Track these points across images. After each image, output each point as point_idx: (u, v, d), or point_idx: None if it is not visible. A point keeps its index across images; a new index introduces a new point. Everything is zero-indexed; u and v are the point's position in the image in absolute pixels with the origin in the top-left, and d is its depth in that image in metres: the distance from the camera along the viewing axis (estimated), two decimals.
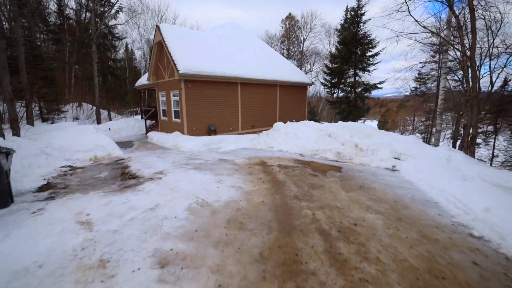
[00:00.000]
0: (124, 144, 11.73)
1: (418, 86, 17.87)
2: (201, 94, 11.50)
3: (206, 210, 3.66)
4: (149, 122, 15.55)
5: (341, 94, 19.54)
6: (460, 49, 8.89)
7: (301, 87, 16.80)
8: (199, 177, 5.45)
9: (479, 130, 16.61)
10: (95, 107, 16.81)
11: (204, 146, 10.48)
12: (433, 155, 7.08)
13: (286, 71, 15.85)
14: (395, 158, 8.35)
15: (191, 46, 12.17)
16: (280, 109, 15.66)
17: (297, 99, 16.78)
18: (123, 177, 5.77)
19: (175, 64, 10.33)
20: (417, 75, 16.93)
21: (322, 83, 21.07)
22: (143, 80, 15.26)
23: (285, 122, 11.97)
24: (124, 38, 24.43)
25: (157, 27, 11.56)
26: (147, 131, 15.05)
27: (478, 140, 18.98)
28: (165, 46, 11.01)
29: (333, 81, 19.22)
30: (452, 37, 10.03)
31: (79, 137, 8.29)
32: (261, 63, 14.79)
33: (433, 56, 15.54)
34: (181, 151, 9.67)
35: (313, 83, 17.37)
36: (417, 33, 8.78)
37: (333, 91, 20.19)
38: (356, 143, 9.81)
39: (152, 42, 12.39)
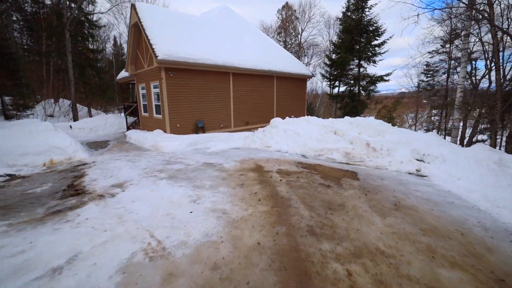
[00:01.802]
0: (97, 145, 10.07)
1: (426, 79, 16.54)
2: (186, 86, 9.88)
3: (156, 271, 2.13)
4: (131, 119, 13.88)
5: (343, 88, 18.10)
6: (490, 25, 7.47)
7: (300, 80, 15.28)
8: (170, 193, 3.90)
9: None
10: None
11: (189, 146, 8.92)
12: (471, 157, 5.66)
13: (284, 61, 14.30)
14: (418, 160, 6.94)
15: (174, 29, 10.50)
16: (277, 104, 14.13)
17: (296, 93, 15.27)
18: (66, 192, 4.19)
19: (153, 49, 8.69)
20: (424, 67, 15.60)
21: (322, 75, 19.51)
22: (125, 73, 13.58)
23: (283, 118, 10.46)
24: (104, 26, 22.43)
25: (133, 6, 9.86)
26: (128, 129, 13.38)
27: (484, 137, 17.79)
28: (141, 27, 9.34)
29: (335, 73, 17.68)
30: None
31: (30, 137, 6.63)
32: (256, 52, 13.20)
33: (444, 44, 14.15)
34: (161, 153, 8.10)
35: (313, 75, 15.86)
36: (440, 9, 7.29)
37: (334, 85, 18.67)
38: (368, 141, 8.35)
39: (129, 26, 10.74)
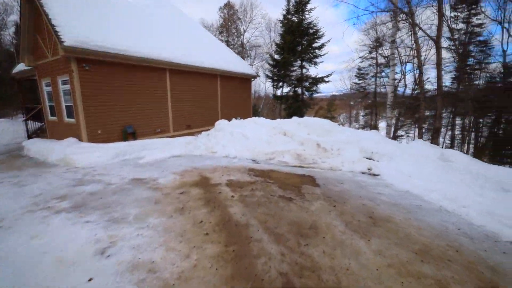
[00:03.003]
0: None
1: (358, 82, 18.20)
2: (109, 83, 7.97)
3: None
4: (36, 126, 10.77)
5: (287, 89, 18.33)
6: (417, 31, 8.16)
7: (245, 80, 14.64)
8: (64, 239, 2.50)
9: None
10: None
11: (115, 158, 7.14)
12: (415, 154, 5.84)
13: (227, 60, 13.40)
14: (367, 159, 6.97)
15: (92, 12, 8.42)
16: (222, 105, 13.12)
17: (241, 93, 14.56)
18: None
19: (56, 32, 6.59)
20: (357, 71, 17.12)
21: (267, 76, 19.38)
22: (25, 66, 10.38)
23: (229, 120, 9.56)
24: None
25: None
26: (30, 138, 10.30)
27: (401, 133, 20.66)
28: (37, 1, 7.06)
29: (279, 73, 17.72)
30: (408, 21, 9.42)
31: None
32: (197, 48, 11.93)
33: (371, 51, 15.66)
34: (73, 169, 6.16)
35: (258, 76, 15.45)
36: (378, 11, 7.61)
37: (278, 85, 18.76)
38: (318, 142, 8.13)
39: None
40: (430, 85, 15.81)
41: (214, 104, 12.66)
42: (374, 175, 5.83)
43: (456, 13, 18.26)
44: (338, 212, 3.24)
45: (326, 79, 16.61)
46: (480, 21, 18.42)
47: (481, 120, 15.88)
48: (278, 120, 10.25)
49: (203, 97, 11.83)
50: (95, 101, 7.68)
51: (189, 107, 11.06)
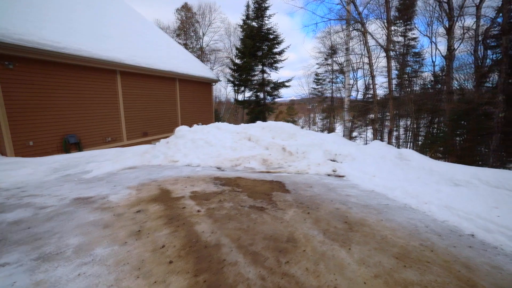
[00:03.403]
0: None
1: (316, 87, 19.17)
2: (42, 84, 6.79)
3: None
4: None
5: (249, 94, 18.31)
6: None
7: (206, 84, 14.13)
8: None
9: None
10: None
11: (53, 173, 6.07)
12: (375, 154, 6.16)
13: (187, 63, 12.76)
14: (331, 161, 7.16)
15: (17, 0, 7.13)
16: (182, 110, 12.40)
17: (202, 98, 14.00)
18: None
19: None
20: (315, 76, 18.05)
21: (228, 80, 19.12)
22: None
23: (190, 126, 9.04)
24: None
25: None
26: None
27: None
28: None
29: (240, 78, 17.60)
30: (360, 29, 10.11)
31: None
32: (153, 50, 11.08)
33: (327, 58, 16.61)
34: None
35: (219, 80, 15.07)
36: (334, 19, 7.99)
37: (240, 90, 18.63)
38: (283, 145, 8.15)
39: None
40: (380, 90, 17.42)
41: (173, 110, 11.88)
42: (339, 176, 5.96)
43: (395, 27, 20.54)
44: (313, 220, 3.10)
45: (286, 84, 17.07)
46: (414, 36, 21.05)
47: (420, 122, 18.03)
48: (242, 125, 10.06)
49: (161, 102, 11.00)
50: (24, 106, 6.45)
51: (145, 113, 10.14)
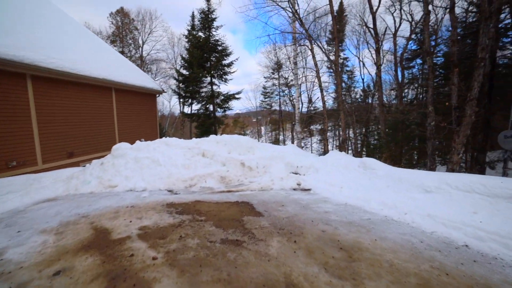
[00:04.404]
0: None
1: (264, 100, 19.47)
2: None
3: None
4: None
5: (197, 106, 17.21)
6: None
7: (149, 95, 12.64)
8: None
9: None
10: None
11: None
12: (337, 164, 6.13)
13: (126, 71, 11.16)
14: (294, 173, 6.91)
15: None
16: (120, 125, 10.65)
17: (145, 111, 12.43)
18: None
19: None
20: (263, 89, 18.32)
21: (175, 92, 17.66)
22: None
23: (132, 143, 7.72)
24: None
25: None
26: None
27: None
28: None
29: (188, 89, 16.42)
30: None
31: None
32: (81, 51, 9.27)
33: (274, 72, 17.10)
34: None
35: (164, 91, 13.74)
36: (287, 32, 8.05)
37: (187, 102, 17.39)
38: (242, 160, 7.60)
39: None
40: (320, 103, 18.74)
41: (109, 124, 10.10)
42: (305, 190, 5.68)
43: (329, 47, 22.79)
44: (304, 251, 2.56)
45: (237, 96, 16.79)
46: (345, 56, 23.76)
47: (357, 131, 20.03)
48: (195, 139, 9.13)
49: (93, 115, 9.19)
50: None
51: (70, 129, 8.23)
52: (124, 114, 10.83)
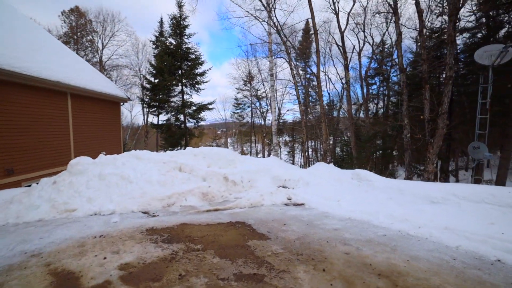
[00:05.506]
0: None
1: (236, 111, 19.13)
2: None
3: None
4: None
5: (166, 116, 15.99)
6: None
7: (112, 103, 11.30)
8: None
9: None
10: None
11: None
12: (328, 176, 5.95)
13: (85, 75, 9.81)
14: (282, 187, 6.55)
15: None
16: (76, 135, 9.19)
17: (106, 121, 11.03)
18: None
19: None
20: (235, 100, 17.98)
21: (142, 100, 16.17)
22: None
23: (93, 158, 6.65)
24: None
25: None
26: None
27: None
28: None
29: (156, 98, 15.14)
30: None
31: None
32: (25, 48, 7.84)
33: (245, 83, 16.98)
34: None
35: (129, 99, 12.48)
36: (269, 42, 7.93)
37: (155, 112, 16.04)
38: (224, 174, 7.05)
39: None
40: (290, 115, 19.09)
41: (63, 135, 8.63)
42: (298, 204, 5.37)
43: (298, 63, 23.69)
44: (342, 282, 2.15)
45: (209, 106, 16.12)
46: (312, 71, 24.88)
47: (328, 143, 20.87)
48: (169, 152, 8.30)
49: (42, 124, 7.74)
50: None
51: (9, 140, 6.73)
52: (83, 123, 9.42)
